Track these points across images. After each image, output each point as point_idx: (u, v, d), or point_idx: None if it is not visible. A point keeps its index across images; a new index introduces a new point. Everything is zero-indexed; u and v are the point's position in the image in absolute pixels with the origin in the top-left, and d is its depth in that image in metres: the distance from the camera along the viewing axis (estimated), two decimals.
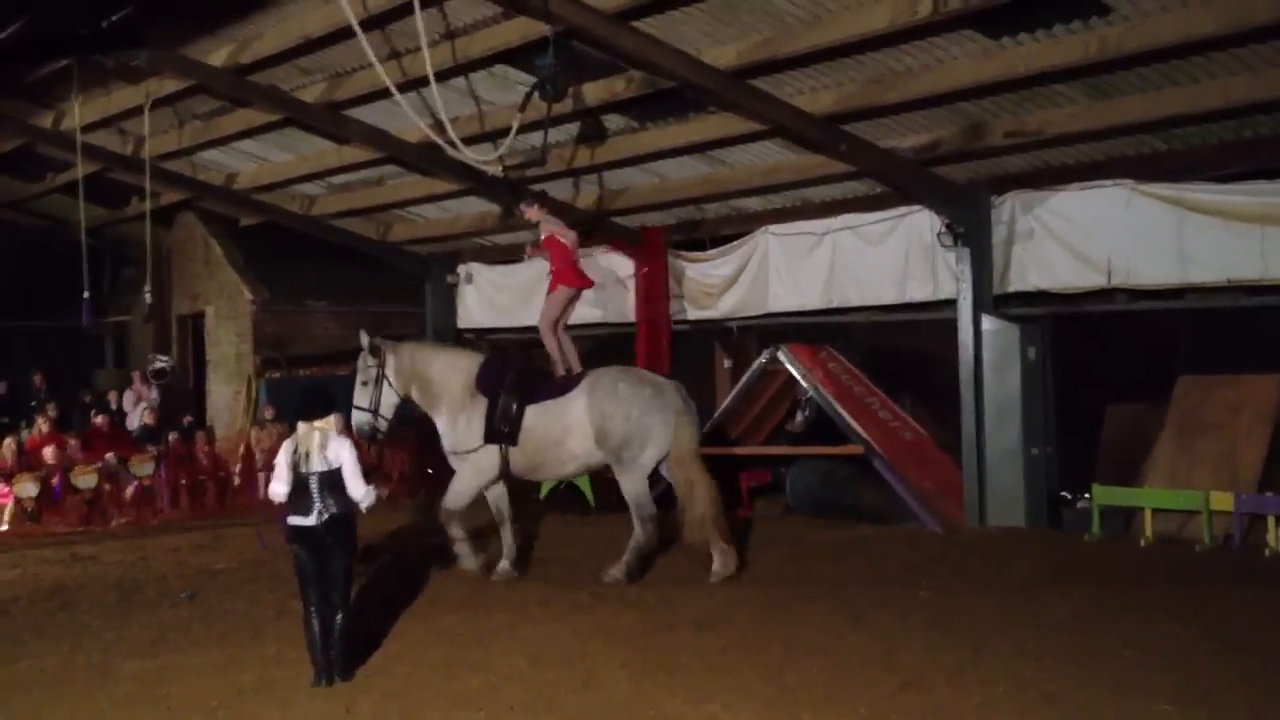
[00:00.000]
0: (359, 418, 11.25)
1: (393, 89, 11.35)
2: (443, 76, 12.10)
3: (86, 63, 14.99)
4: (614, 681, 7.73)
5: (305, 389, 8.23)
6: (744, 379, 15.34)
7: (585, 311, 18.64)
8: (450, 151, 11.86)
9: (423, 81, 11.66)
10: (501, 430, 11.10)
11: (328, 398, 8.15)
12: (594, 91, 13.26)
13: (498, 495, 11.54)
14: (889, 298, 14.71)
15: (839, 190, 15.12)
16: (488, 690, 7.62)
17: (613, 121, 14.42)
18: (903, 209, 14.45)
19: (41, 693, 7.85)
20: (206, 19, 13.55)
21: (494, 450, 11.18)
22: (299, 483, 7.89)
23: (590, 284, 12.77)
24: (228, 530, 14.72)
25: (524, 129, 12.41)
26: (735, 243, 16.69)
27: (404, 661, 8.29)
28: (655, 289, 17.21)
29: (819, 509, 14.41)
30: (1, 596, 11.15)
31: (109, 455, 16.49)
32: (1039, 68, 11.13)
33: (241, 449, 17.94)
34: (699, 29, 11.77)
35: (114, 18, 13.61)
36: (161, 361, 20.52)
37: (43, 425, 17.35)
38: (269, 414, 18.29)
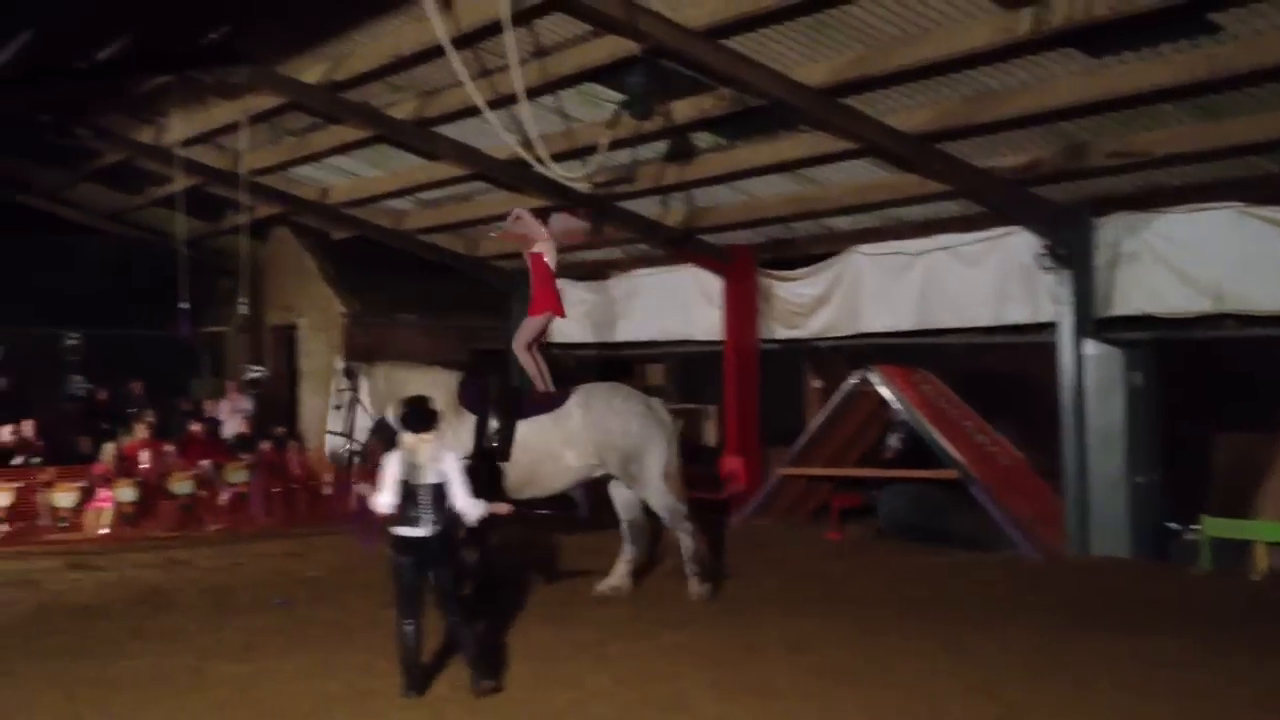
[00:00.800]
0: (333, 442, 11.08)
1: (483, 106, 11.40)
2: (532, 94, 12.12)
3: (186, 79, 15.32)
4: (702, 703, 7.65)
5: (410, 401, 8.23)
6: (834, 400, 15.21)
7: (672, 328, 18.75)
8: (538, 168, 11.90)
9: (512, 99, 11.68)
10: (492, 446, 10.94)
11: (434, 410, 8.16)
12: (683, 109, 13.24)
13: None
14: (985, 320, 14.54)
15: (932, 210, 14.95)
16: (574, 707, 7.59)
17: (702, 139, 14.40)
18: (1000, 230, 14.27)
19: (137, 694, 7.95)
20: (303, 37, 13.76)
21: (482, 466, 10.89)
22: (408, 494, 7.84)
23: (564, 315, 12.56)
24: (318, 539, 14.89)
25: (612, 146, 12.42)
26: (825, 262, 16.59)
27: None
28: (743, 308, 17.15)
29: (911, 533, 14.22)
30: (100, 599, 11.36)
31: (204, 462, 16.77)
32: (1144, 87, 10.91)
33: None
34: (790, 46, 11.70)
35: (214, 36, 13.92)
36: (255, 372, 20.83)
37: (141, 432, 17.69)
38: None
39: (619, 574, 11.38)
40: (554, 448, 11.09)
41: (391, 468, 7.88)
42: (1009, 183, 13.31)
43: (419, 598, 7.91)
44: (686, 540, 11.20)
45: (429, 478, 7.84)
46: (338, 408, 11.04)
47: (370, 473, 8.73)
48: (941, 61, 11.17)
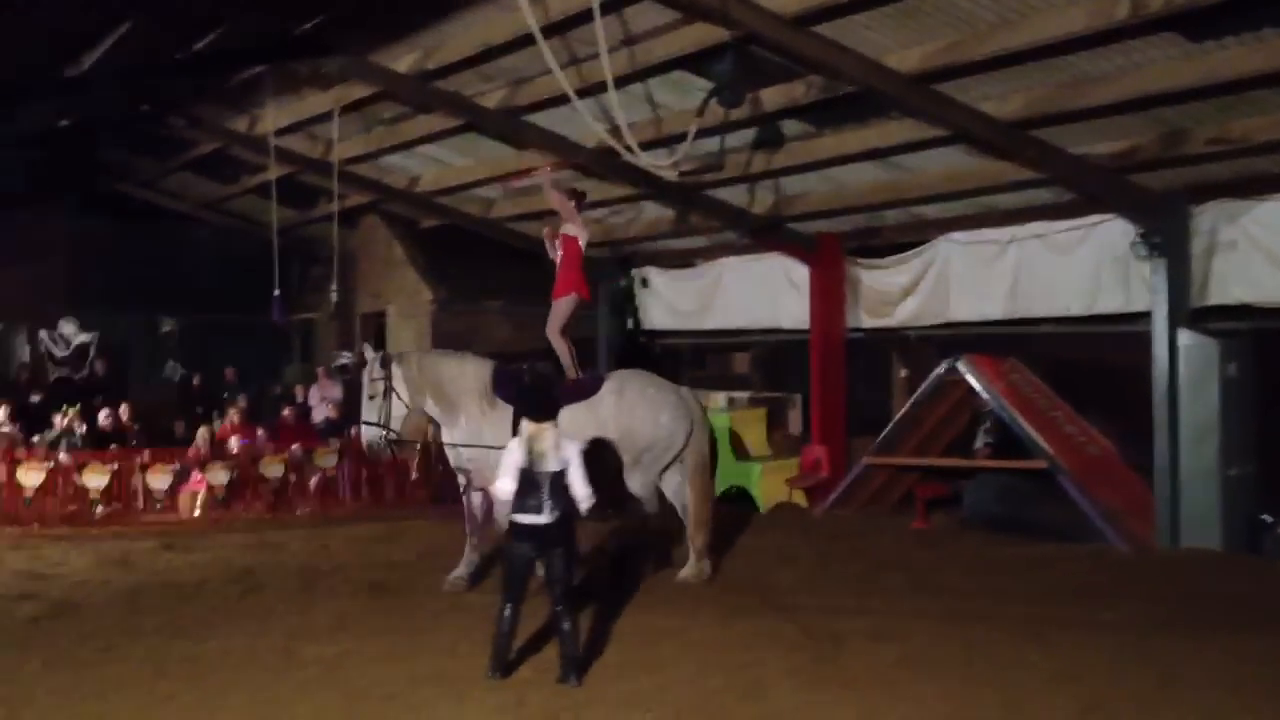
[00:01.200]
0: (369, 433, 10.94)
1: (571, 95, 11.42)
2: (621, 82, 12.10)
3: (280, 70, 15.57)
4: (783, 691, 7.64)
5: (532, 389, 8.22)
6: (921, 389, 15.04)
7: (758, 317, 18.67)
8: (627, 156, 11.90)
9: (601, 87, 11.71)
10: None
11: (555, 398, 8.14)
12: (772, 96, 13.15)
13: (475, 505, 11.13)
14: (1077, 309, 14.31)
15: (1024, 198, 14.70)
16: (656, 692, 7.61)
17: (790, 126, 14.29)
18: (1094, 217, 14.01)
19: (228, 673, 8.12)
20: (394, 27, 13.90)
21: None
22: (529, 481, 7.83)
23: (589, 298, 12.34)
24: (405, 523, 15.05)
25: (700, 134, 12.38)
26: (914, 250, 16.41)
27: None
28: (830, 296, 17.02)
29: (997, 524, 14.02)
30: (193, 579, 11.61)
31: (295, 447, 17.05)
32: (1244, 72, 10.60)
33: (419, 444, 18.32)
34: (881, 33, 11.56)
35: (307, 26, 14.10)
36: (345, 358, 21.13)
37: (233, 416, 18.04)
38: None
39: (692, 561, 11.35)
40: (589, 436, 10.85)
41: (513, 454, 7.86)
42: (1104, 170, 13.04)
43: (526, 584, 7.93)
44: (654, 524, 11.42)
45: (551, 464, 7.82)
46: (372, 398, 10.90)
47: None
48: (1037, 47, 10.95)
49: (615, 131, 11.95)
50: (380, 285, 22.76)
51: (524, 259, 20.78)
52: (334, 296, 18.89)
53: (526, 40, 11.76)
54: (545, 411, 8.02)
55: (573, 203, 12.10)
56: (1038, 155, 12.79)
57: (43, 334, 20.58)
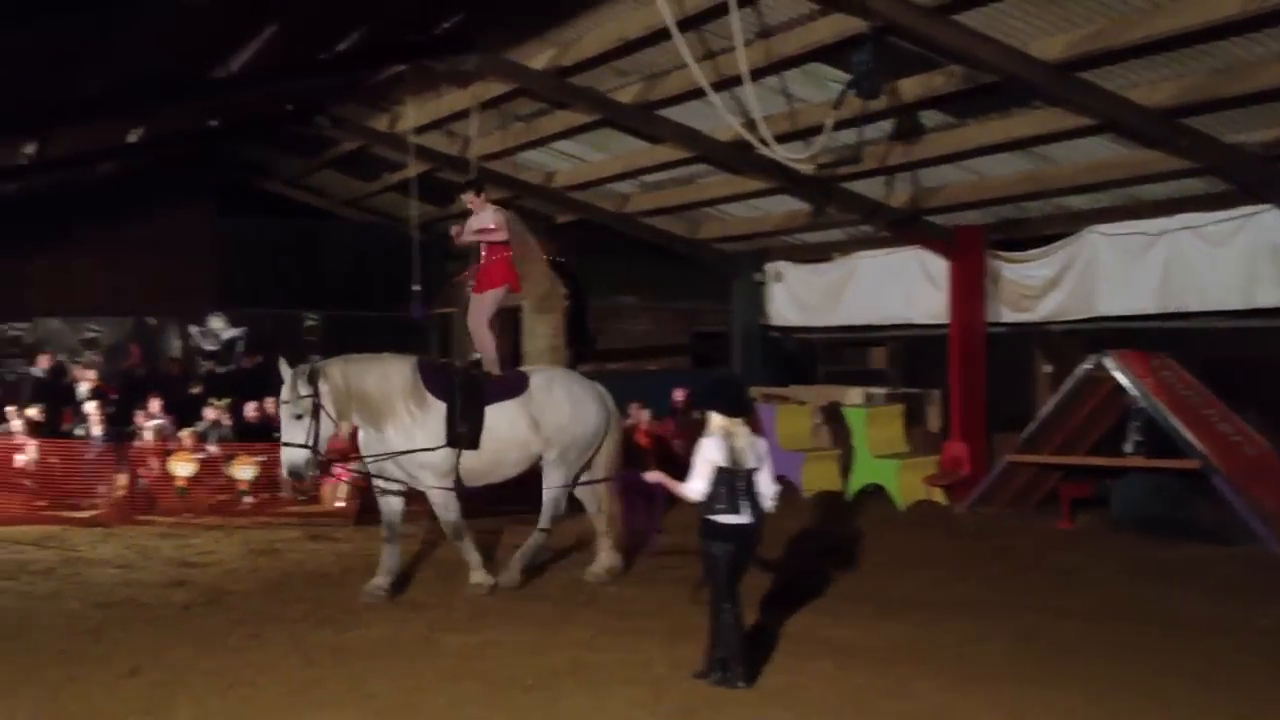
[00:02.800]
0: (295, 456, 9.92)
1: (707, 88, 11.42)
2: (757, 75, 12.06)
3: (420, 68, 15.83)
4: (925, 691, 7.49)
5: (724, 384, 8.02)
6: (1066, 386, 14.63)
7: (892, 311, 18.42)
8: (762, 150, 11.83)
9: (736, 80, 11.66)
10: (462, 432, 10.41)
11: (748, 395, 7.95)
12: (910, 87, 12.96)
13: (393, 510, 10.71)
14: (1233, 303, 13.87)
15: (1175, 188, 14.25)
16: (794, 689, 7.53)
17: (929, 117, 14.07)
18: (1249, 208, 13.54)
19: (372, 661, 8.26)
20: (531, 24, 14.04)
21: (452, 454, 10.46)
22: (726, 480, 7.60)
23: (519, 289, 12.02)
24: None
25: (837, 126, 12.24)
26: (1058, 243, 16.04)
27: None
28: (970, 290, 16.71)
29: (1146, 525, 13.58)
30: (336, 569, 11.86)
31: None
32: None
33: None
34: (1025, 20, 11.31)
35: (446, 25, 14.32)
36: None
37: None
38: None
39: (604, 557, 11.17)
40: (521, 434, 10.73)
41: (711, 453, 7.60)
42: (1260, 159, 12.58)
43: (737, 581, 7.72)
44: (541, 537, 11.10)
45: (750, 461, 7.64)
46: (299, 417, 9.93)
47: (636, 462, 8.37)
48: (1188, 32, 10.61)
49: (750, 125, 11.91)
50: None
51: (659, 253, 20.88)
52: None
53: (662, 35, 11.79)
54: (741, 407, 7.83)
55: (480, 196, 11.79)
56: (1190, 144, 12.39)
57: (192, 329, 21.24)
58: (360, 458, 10.85)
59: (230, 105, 17.17)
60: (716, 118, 13.25)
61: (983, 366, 16.68)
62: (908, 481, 15.91)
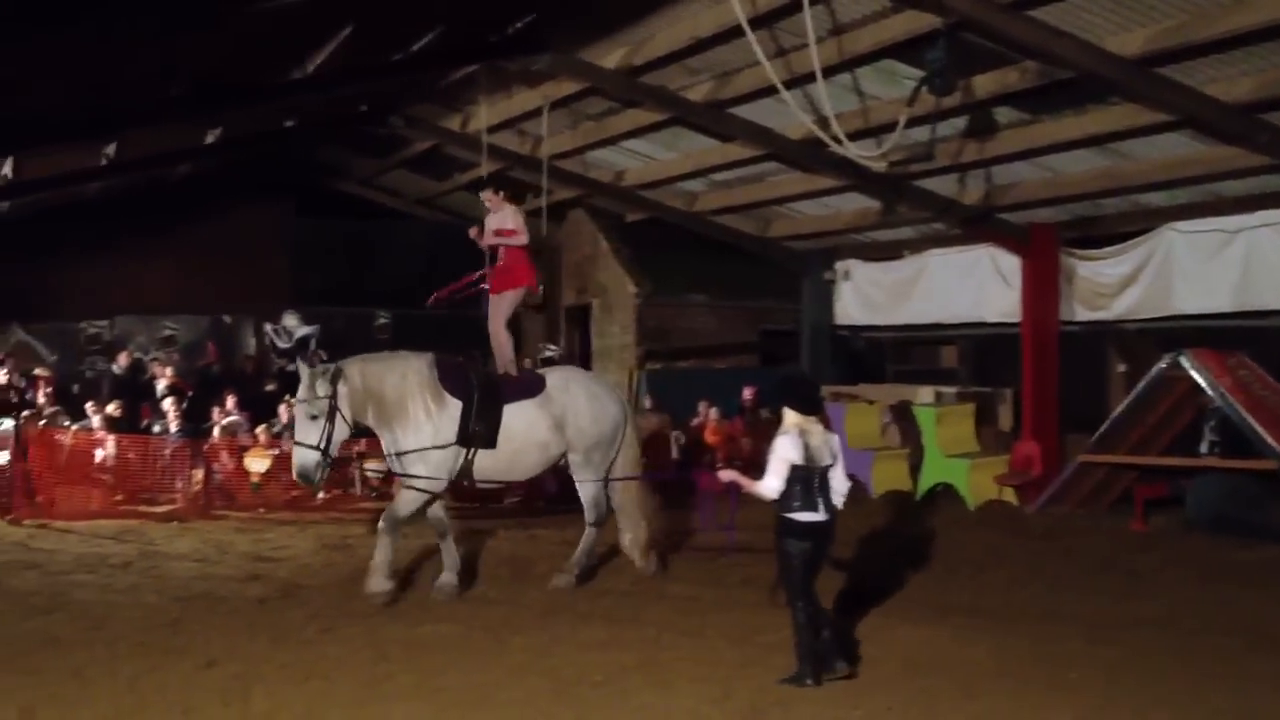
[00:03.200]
0: (306, 458, 9.74)
1: (779, 86, 11.38)
2: (829, 72, 12.00)
3: (492, 68, 15.93)
4: (996, 692, 7.43)
5: (797, 382, 7.98)
6: (1141, 385, 14.42)
7: (962, 310, 18.26)
8: (834, 147, 11.79)
9: (808, 78, 11.61)
10: (477, 431, 10.24)
11: (820, 392, 7.92)
12: (984, 84, 12.83)
13: (437, 509, 10.63)
14: None
15: (1256, 184, 13.99)
16: (864, 689, 7.50)
17: (1003, 114, 13.92)
18: None
19: (443, 656, 8.34)
20: (603, 23, 14.07)
21: (460, 452, 10.29)
22: (803, 477, 7.57)
23: (538, 289, 11.81)
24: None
25: (910, 124, 12.15)
26: (1134, 240, 15.80)
27: (780, 653, 8.26)
28: (1043, 288, 16.52)
29: (1222, 526, 13.36)
30: (408, 565, 11.92)
31: None
32: None
33: None
34: (1102, 15, 11.17)
35: (518, 25, 14.40)
36: (550, 351, 21.39)
37: None
38: (648, 404, 18.79)
39: (639, 556, 11.08)
40: (540, 434, 10.57)
41: (786, 451, 7.56)
42: None
43: (813, 580, 7.71)
44: (592, 535, 10.93)
45: (825, 459, 7.62)
46: (314, 417, 9.76)
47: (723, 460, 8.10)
48: (1269, 27, 10.41)
49: (823, 122, 11.86)
50: (585, 279, 23.10)
51: (728, 252, 20.87)
52: (540, 290, 19.18)
53: (733, 33, 11.80)
54: (815, 404, 7.80)
55: (499, 194, 11.65)
56: (1271, 140, 12.14)
57: (267, 327, 21.53)
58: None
59: (306, 106, 17.39)
60: (788, 115, 13.21)
61: (1055, 365, 16.48)
62: (978, 481, 15.76)
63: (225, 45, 12.82)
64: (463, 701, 7.31)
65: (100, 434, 15.80)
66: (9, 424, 15.33)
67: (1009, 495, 15.71)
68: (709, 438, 18.19)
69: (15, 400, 16.83)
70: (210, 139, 18.33)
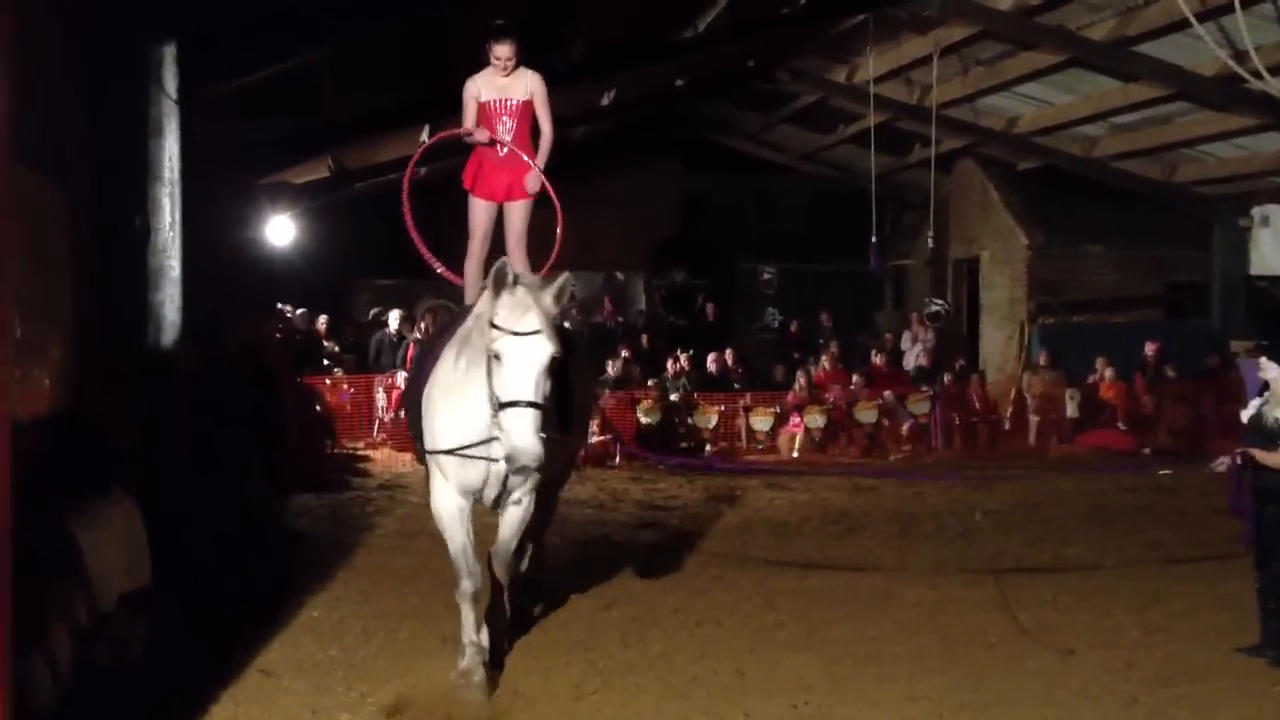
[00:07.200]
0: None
1: (1192, 19, 10.66)
2: (1248, 2, 11.08)
3: (881, 16, 15.69)
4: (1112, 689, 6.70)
5: None
6: None
7: None
8: (1253, 83, 10.92)
9: (1225, 9, 10.78)
10: None
11: None
12: None
13: None
14: None
15: None
16: (972, 681, 6.86)
17: None
18: None
19: (830, 608, 8.33)
20: None
21: None
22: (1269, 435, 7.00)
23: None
24: (998, 472, 14.80)
25: None
26: None
27: (1185, 621, 7.78)
28: None
29: None
30: (794, 518, 12.09)
31: (887, 393, 17.28)
32: None
33: (1013, 394, 17.98)
34: None
35: None
36: (937, 305, 21.09)
37: (827, 362, 18.58)
38: (1043, 360, 18.11)
39: None
40: None
41: None
42: None
43: None
44: None
45: None
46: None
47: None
48: None
49: (1240, 56, 11.00)
50: (974, 231, 22.41)
51: (1128, 199, 19.71)
52: (929, 243, 18.89)
53: None
54: None
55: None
56: None
57: (657, 283, 22.26)
58: None
59: (696, 64, 17.71)
60: (1200, 51, 12.30)
61: None
62: None
63: (628, 7, 13.21)
64: (851, 655, 7.29)
65: None
66: None
67: None
68: (1105, 395, 17.39)
69: None
70: (606, 101, 18.98)
